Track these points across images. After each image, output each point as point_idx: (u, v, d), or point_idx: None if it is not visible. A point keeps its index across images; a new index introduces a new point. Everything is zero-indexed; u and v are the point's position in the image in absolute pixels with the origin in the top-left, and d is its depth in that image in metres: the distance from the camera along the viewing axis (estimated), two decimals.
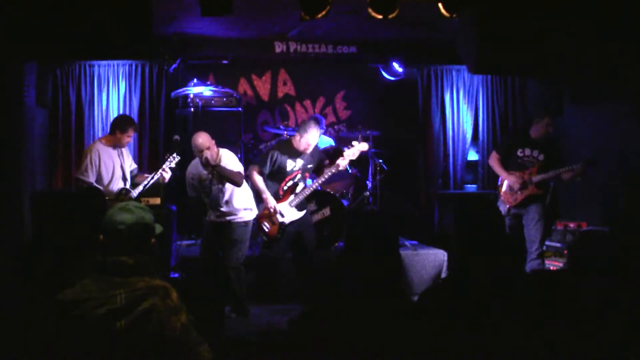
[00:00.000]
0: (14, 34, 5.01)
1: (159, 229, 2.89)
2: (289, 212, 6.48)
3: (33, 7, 5.01)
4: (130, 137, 6.67)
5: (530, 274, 5.40)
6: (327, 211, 7.31)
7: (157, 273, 2.76)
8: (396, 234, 2.87)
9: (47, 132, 8.05)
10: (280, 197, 6.50)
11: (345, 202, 7.67)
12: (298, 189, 6.51)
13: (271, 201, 6.42)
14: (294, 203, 6.50)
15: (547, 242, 7.52)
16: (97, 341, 2.57)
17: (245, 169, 6.52)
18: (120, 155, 6.64)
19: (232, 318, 6.21)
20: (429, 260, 7.36)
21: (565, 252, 7.08)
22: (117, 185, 6.54)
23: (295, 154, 6.51)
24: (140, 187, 6.55)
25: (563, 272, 6.14)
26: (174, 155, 6.69)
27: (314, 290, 6.29)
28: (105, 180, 6.44)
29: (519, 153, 6.76)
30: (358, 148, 6.61)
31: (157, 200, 7.35)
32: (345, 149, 6.66)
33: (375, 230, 2.76)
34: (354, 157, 6.62)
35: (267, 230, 6.50)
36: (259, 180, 6.45)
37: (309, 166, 6.62)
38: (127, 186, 6.60)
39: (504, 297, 2.69)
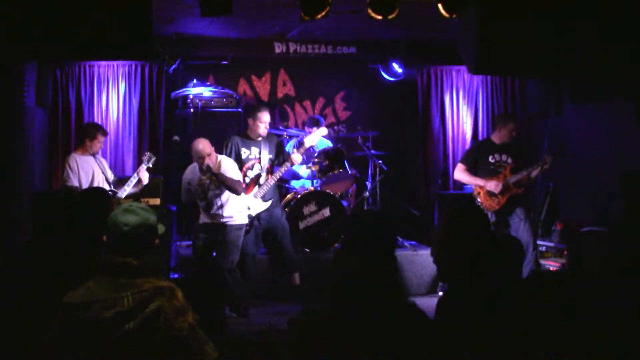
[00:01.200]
0: (14, 34, 5.01)
1: (161, 229, 2.89)
2: (254, 204, 6.54)
3: (33, 7, 5.00)
4: (100, 143, 6.84)
5: (529, 274, 5.41)
6: (326, 212, 7.32)
7: (162, 273, 2.76)
8: (394, 234, 2.87)
9: (46, 133, 8.05)
10: (244, 189, 6.54)
11: (345, 203, 7.68)
12: (261, 180, 6.60)
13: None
14: (259, 194, 6.56)
15: (547, 242, 7.53)
16: (105, 343, 2.57)
17: None
18: (100, 163, 6.79)
19: (232, 318, 6.23)
20: (429, 261, 7.34)
21: (565, 252, 7.09)
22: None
23: (248, 142, 6.67)
24: (126, 189, 6.63)
25: (563, 272, 6.14)
26: (149, 154, 6.82)
27: (314, 290, 6.31)
28: (85, 185, 6.54)
29: (491, 159, 6.85)
30: (317, 133, 6.80)
31: (157, 201, 7.36)
32: (307, 134, 6.84)
33: (373, 231, 2.76)
34: (313, 143, 6.81)
35: None
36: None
37: (269, 156, 6.70)
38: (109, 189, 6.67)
39: (505, 298, 2.69)
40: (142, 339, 2.57)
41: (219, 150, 6.56)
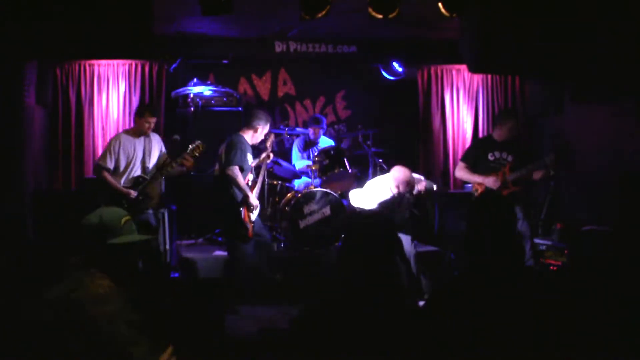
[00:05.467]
0: (15, 33, 5.01)
1: (129, 238, 2.90)
2: (256, 210, 6.55)
3: (33, 7, 5.01)
4: (149, 123, 6.60)
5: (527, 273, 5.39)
6: (327, 211, 7.31)
7: (105, 273, 2.80)
8: (394, 232, 2.87)
9: (47, 132, 8.05)
10: None
11: (345, 202, 7.67)
12: (254, 184, 6.63)
13: (254, 200, 6.45)
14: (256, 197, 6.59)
15: (547, 242, 7.52)
16: (29, 335, 2.65)
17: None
18: (147, 144, 6.67)
19: (231, 318, 6.21)
20: (429, 260, 7.34)
21: (566, 251, 7.10)
22: (136, 173, 6.57)
23: (250, 148, 6.57)
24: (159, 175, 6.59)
25: (563, 272, 6.14)
26: (198, 143, 6.57)
27: (314, 289, 6.30)
28: (122, 167, 6.52)
29: (490, 157, 6.83)
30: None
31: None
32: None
33: (372, 230, 2.75)
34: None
35: (248, 229, 6.49)
36: (241, 178, 6.41)
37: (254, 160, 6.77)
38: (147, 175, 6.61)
39: (507, 296, 2.69)
40: (58, 328, 2.62)
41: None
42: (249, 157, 6.47)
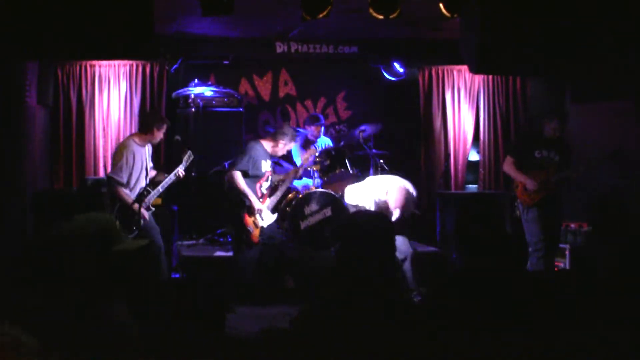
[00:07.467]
0: (15, 33, 5.02)
1: None
2: (267, 216, 6.55)
3: (34, 7, 5.01)
4: (163, 135, 6.40)
5: (534, 272, 5.39)
6: (328, 211, 7.31)
7: None
8: (392, 233, 2.87)
9: (48, 132, 8.07)
10: (259, 199, 6.54)
11: (346, 203, 7.67)
12: (274, 192, 6.65)
13: (258, 204, 6.45)
14: (270, 206, 6.58)
15: None
16: None
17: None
18: (146, 153, 6.35)
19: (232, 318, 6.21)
20: (431, 259, 7.34)
21: (567, 252, 7.08)
22: (141, 185, 6.25)
23: (266, 156, 6.62)
24: (160, 189, 6.27)
25: (564, 272, 6.14)
26: (190, 153, 6.47)
27: (315, 289, 6.30)
28: (133, 181, 6.18)
29: (537, 154, 6.70)
30: (307, 155, 7.06)
31: (159, 200, 7.35)
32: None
33: (371, 231, 2.75)
34: (307, 162, 7.12)
35: (251, 233, 6.50)
36: (242, 182, 6.44)
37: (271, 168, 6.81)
38: (146, 185, 6.32)
39: (506, 296, 2.69)
40: None
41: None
42: (263, 164, 6.54)
